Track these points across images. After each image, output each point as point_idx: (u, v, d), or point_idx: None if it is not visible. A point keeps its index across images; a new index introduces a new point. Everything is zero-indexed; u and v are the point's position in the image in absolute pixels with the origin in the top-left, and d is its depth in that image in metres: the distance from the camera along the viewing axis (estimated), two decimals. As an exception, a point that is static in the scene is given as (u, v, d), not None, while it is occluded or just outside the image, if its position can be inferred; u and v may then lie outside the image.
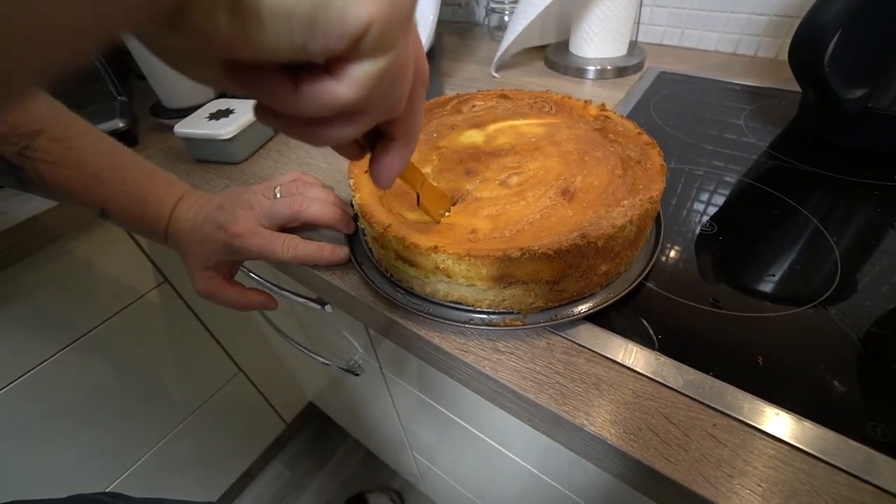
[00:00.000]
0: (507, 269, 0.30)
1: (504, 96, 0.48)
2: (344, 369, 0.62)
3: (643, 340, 0.31)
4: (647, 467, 0.25)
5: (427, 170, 0.39)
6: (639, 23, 0.73)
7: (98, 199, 0.37)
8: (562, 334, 0.32)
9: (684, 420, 0.27)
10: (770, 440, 0.26)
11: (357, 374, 0.62)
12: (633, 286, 0.33)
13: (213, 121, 0.56)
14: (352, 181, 0.39)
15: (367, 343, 0.56)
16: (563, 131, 0.41)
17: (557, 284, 0.31)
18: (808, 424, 0.26)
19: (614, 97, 0.63)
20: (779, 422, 0.26)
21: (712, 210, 0.43)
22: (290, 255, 0.37)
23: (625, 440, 0.27)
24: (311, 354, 0.64)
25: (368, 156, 0.24)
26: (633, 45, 0.72)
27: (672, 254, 0.38)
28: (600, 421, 0.28)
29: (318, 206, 0.38)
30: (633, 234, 0.32)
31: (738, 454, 0.25)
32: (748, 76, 0.65)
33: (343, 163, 0.53)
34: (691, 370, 0.29)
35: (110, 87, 0.67)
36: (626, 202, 0.32)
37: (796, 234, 0.39)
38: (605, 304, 0.33)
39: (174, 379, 0.81)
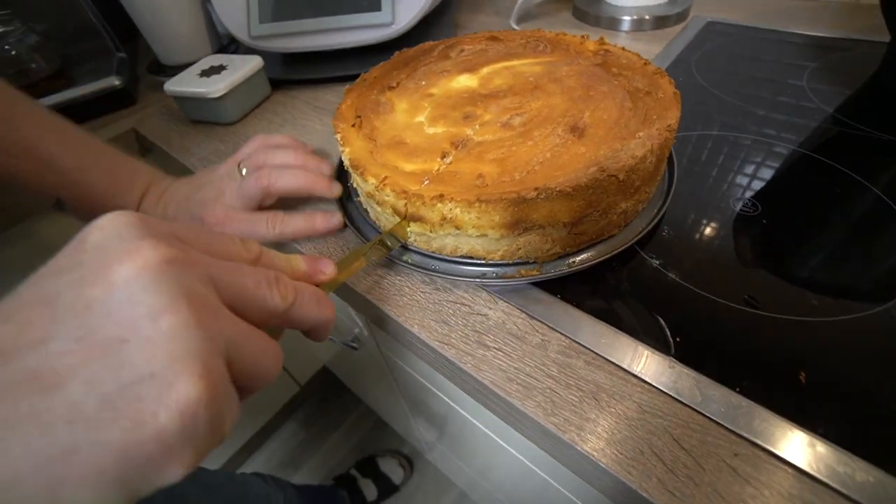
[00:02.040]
0: (523, 213, 0.27)
1: (494, 38, 0.45)
2: (344, 344, 0.60)
3: (657, 343, 0.26)
4: (645, 501, 0.21)
5: (420, 118, 0.37)
6: (688, -37, 0.62)
7: (50, 188, 0.33)
8: (561, 331, 0.28)
9: (698, 445, 0.22)
10: (807, 480, 0.21)
11: (356, 349, 0.60)
12: (654, 222, 0.32)
13: (205, 78, 0.52)
14: (339, 136, 0.35)
15: (365, 319, 0.53)
16: (563, 68, 0.38)
17: (576, 226, 0.29)
18: (860, 465, 0.21)
19: (650, 51, 0.55)
20: (820, 458, 0.21)
21: (757, 186, 0.36)
22: (277, 232, 0.33)
23: (621, 464, 0.22)
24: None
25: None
26: (679, -9, 0.62)
27: (702, 238, 0.32)
28: (594, 438, 0.23)
29: (288, 175, 0.34)
30: (652, 165, 0.29)
31: (763, 494, 0.20)
32: (817, 24, 0.55)
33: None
34: (713, 384, 0.24)
35: (108, 43, 0.64)
36: (641, 133, 0.29)
37: (864, 220, 0.32)
38: (629, 243, 0.30)
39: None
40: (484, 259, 0.31)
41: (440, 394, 0.51)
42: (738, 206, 0.34)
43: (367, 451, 1.17)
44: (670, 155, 0.36)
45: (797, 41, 0.53)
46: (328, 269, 0.24)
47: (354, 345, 0.59)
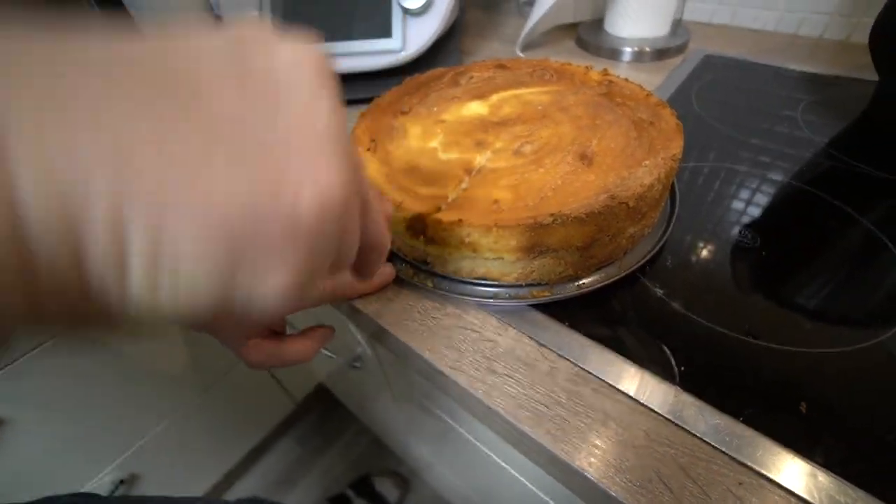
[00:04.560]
0: (538, 238, 0.29)
1: (502, 66, 0.47)
2: (347, 363, 0.60)
3: (662, 371, 0.27)
4: (654, 529, 0.22)
5: (433, 144, 0.38)
6: (685, -2, 0.65)
7: None
8: (569, 358, 0.29)
9: (704, 474, 0.23)
10: (809, 510, 0.21)
11: (358, 368, 0.60)
12: (658, 248, 0.33)
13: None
14: None
15: (369, 337, 0.53)
16: (569, 97, 0.40)
17: (588, 250, 0.30)
18: (860, 495, 0.21)
19: (652, 82, 0.57)
20: (821, 487, 0.22)
21: (755, 219, 0.37)
22: (330, 291, 0.31)
23: (630, 492, 0.23)
24: (314, 344, 0.62)
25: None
26: (677, 24, 0.65)
27: (703, 268, 0.33)
28: (603, 466, 0.24)
29: None
30: (659, 192, 0.31)
31: (768, 524, 0.21)
32: (810, 61, 0.57)
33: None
34: (717, 413, 0.25)
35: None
36: (647, 162, 0.31)
37: (859, 254, 0.34)
38: (633, 268, 0.32)
39: (184, 358, 0.82)
40: (498, 281, 0.32)
41: (440, 412, 0.52)
42: (737, 237, 0.35)
43: (363, 469, 1.15)
44: (672, 183, 0.37)
45: (792, 76, 0.55)
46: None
47: (357, 364, 0.60)
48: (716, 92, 0.54)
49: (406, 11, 0.54)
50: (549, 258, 0.30)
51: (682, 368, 0.27)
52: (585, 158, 0.33)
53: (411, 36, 0.55)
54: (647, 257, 0.32)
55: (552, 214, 0.27)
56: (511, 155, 0.35)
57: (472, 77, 0.47)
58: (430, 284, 0.33)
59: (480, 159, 0.35)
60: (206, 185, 0.10)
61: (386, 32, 0.55)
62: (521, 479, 0.46)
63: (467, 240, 0.29)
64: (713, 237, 0.36)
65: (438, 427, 0.57)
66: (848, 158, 0.42)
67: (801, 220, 0.37)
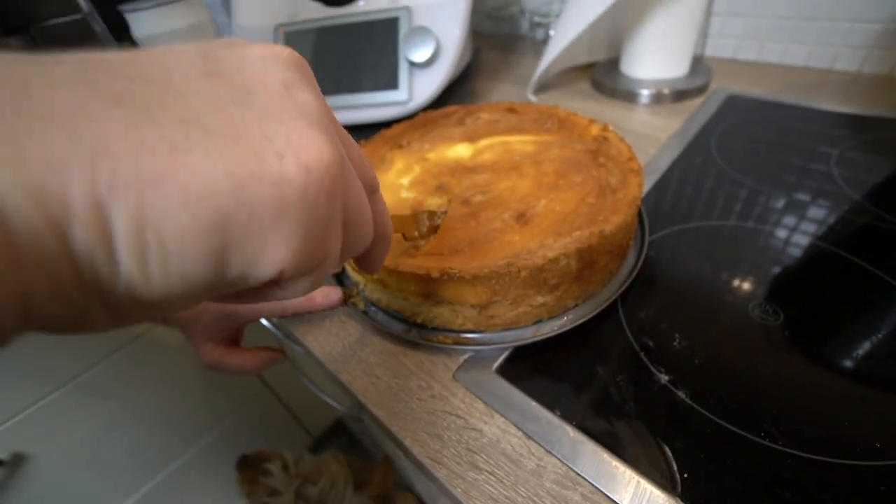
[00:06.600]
0: (432, 288, 0.30)
1: (512, 110, 0.47)
2: (351, 415, 0.59)
3: (661, 478, 0.24)
4: None
5: (403, 180, 0.39)
6: (707, 35, 0.62)
7: None
8: (558, 455, 0.26)
9: None
10: None
11: (361, 420, 0.59)
12: (573, 325, 0.31)
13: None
14: None
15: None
16: (553, 151, 0.39)
17: (486, 310, 0.30)
18: None
19: (669, 126, 0.54)
20: None
21: (778, 290, 0.33)
22: (279, 308, 0.35)
23: None
24: (322, 395, 0.61)
25: None
26: (699, 62, 0.62)
27: (716, 350, 0.30)
28: None
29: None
30: (573, 268, 0.29)
31: None
32: (847, 100, 0.53)
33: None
34: (724, 538, 0.22)
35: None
36: (576, 233, 0.30)
37: (899, 335, 0.29)
38: (517, 343, 0.31)
39: (201, 392, 0.83)
40: (409, 319, 0.34)
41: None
42: (758, 313, 0.32)
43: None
44: (641, 250, 0.35)
45: (825, 119, 0.51)
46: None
47: (361, 417, 0.58)
48: (739, 137, 0.50)
49: (412, 64, 0.54)
50: (446, 309, 0.31)
51: (686, 475, 0.24)
52: (523, 218, 0.33)
53: (418, 87, 0.55)
54: (551, 335, 0.31)
55: (441, 269, 0.28)
56: (459, 203, 0.35)
57: (479, 118, 0.47)
58: (361, 307, 0.35)
59: (431, 203, 0.36)
60: (185, 163, 0.10)
61: (393, 84, 0.55)
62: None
63: (375, 275, 0.31)
64: (729, 312, 0.32)
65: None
66: (890, 216, 0.38)
67: (833, 291, 0.33)
